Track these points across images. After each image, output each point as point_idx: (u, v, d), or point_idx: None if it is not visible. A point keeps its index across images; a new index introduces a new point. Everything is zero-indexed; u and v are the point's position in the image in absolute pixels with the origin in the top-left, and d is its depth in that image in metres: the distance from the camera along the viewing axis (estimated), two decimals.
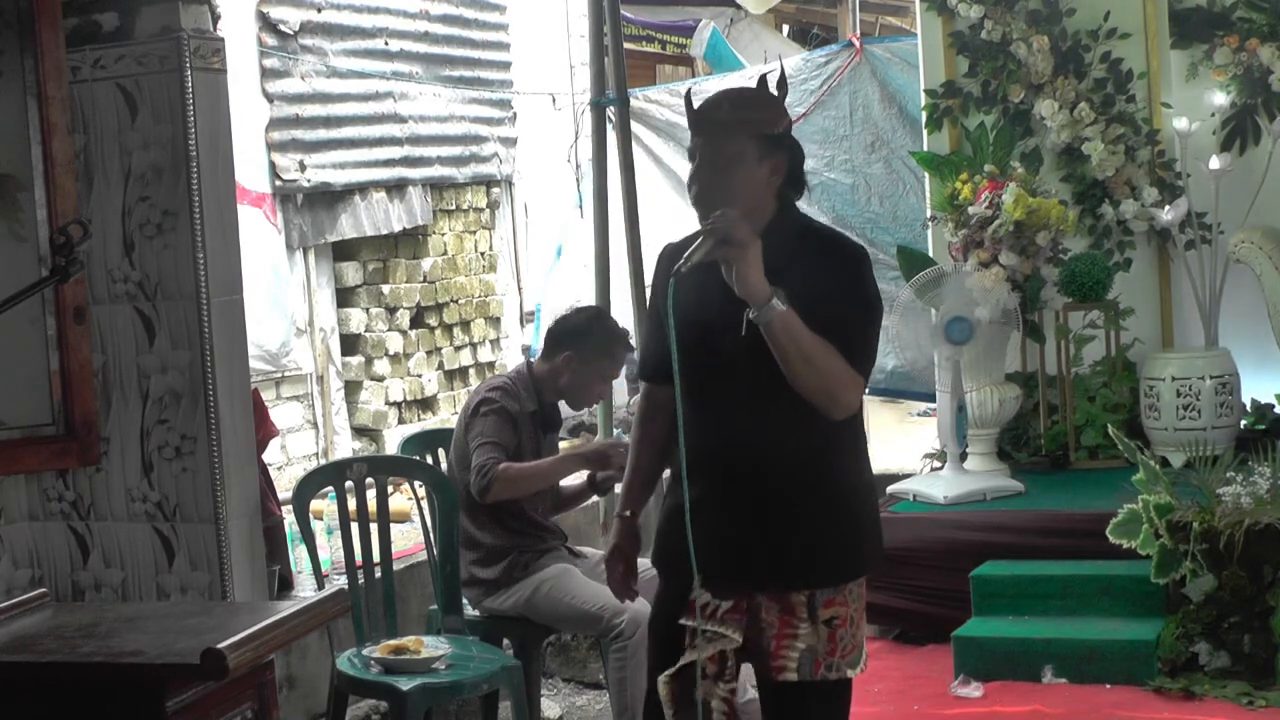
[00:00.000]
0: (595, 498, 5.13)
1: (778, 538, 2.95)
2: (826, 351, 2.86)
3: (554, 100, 8.27)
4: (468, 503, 4.53)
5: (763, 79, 3.12)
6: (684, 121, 9.36)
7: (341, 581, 4.50)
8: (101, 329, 4.18)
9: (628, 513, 3.24)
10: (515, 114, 8.05)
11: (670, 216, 8.04)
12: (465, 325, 7.71)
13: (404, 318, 7.24)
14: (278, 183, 6.44)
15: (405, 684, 3.94)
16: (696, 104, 3.09)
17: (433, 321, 7.45)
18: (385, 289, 7.15)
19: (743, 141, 2.99)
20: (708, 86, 8.17)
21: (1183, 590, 5.06)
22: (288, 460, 6.52)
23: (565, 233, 8.43)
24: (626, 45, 7.24)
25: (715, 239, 2.84)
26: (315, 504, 4.80)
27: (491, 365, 7.89)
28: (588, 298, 6.45)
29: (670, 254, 3.09)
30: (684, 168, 8.53)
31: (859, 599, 3.04)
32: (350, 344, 7.07)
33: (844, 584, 3.00)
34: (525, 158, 8.18)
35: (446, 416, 7.33)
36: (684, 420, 2.92)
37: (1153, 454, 5.99)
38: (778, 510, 2.95)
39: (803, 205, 9.04)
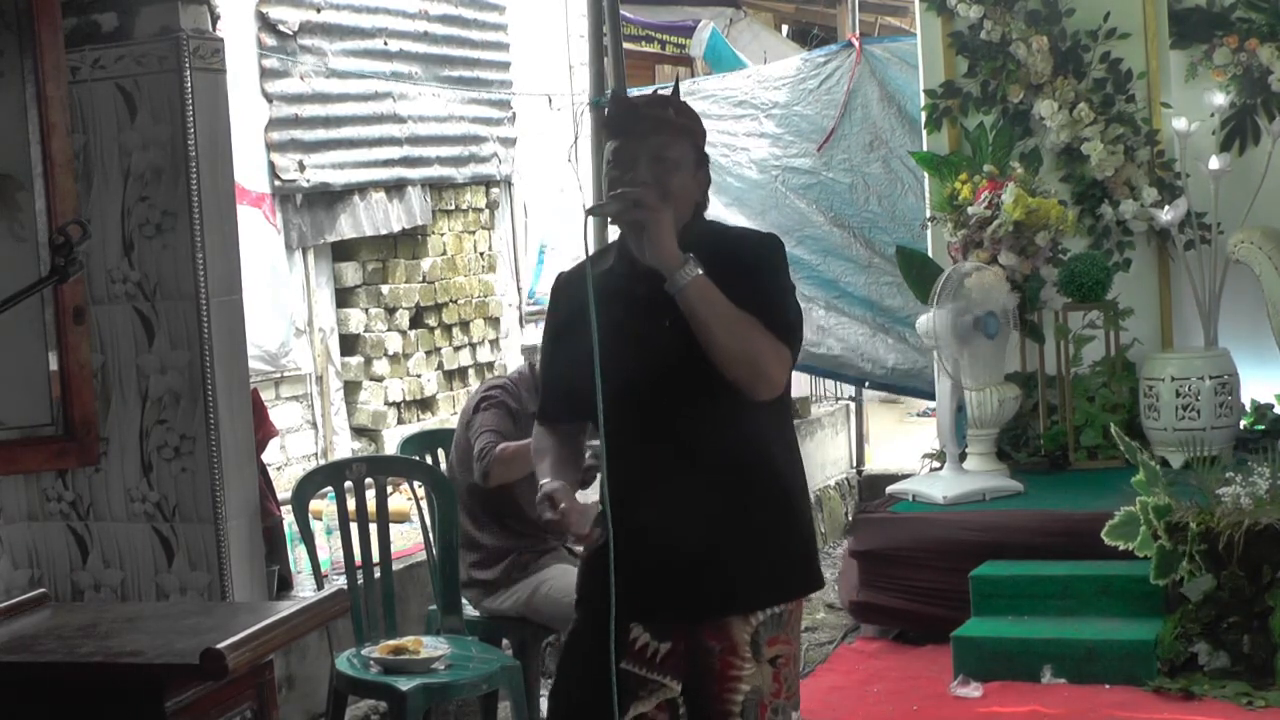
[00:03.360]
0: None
1: (726, 552, 2.78)
2: (748, 321, 2.72)
3: (550, 100, 8.27)
4: (468, 504, 4.53)
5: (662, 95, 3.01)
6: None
7: (341, 581, 4.49)
8: (101, 329, 4.18)
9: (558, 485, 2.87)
10: (514, 114, 8.04)
11: None
12: (465, 325, 7.71)
13: (403, 318, 7.23)
14: (277, 183, 6.43)
15: (404, 684, 3.94)
16: (631, 99, 2.96)
17: (432, 322, 7.45)
18: (385, 289, 7.15)
19: (685, 147, 2.89)
20: (707, 85, 8.17)
21: (1181, 590, 5.06)
22: (287, 460, 6.51)
23: (548, 232, 8.44)
24: (626, 45, 7.25)
25: (629, 200, 2.74)
26: (314, 504, 4.80)
27: (491, 365, 7.89)
28: None
29: (568, 282, 2.95)
30: None
31: (799, 635, 2.92)
32: (349, 344, 7.06)
33: (794, 599, 2.87)
34: (524, 158, 8.18)
35: (446, 416, 7.32)
36: (607, 451, 2.78)
37: (1152, 454, 5.99)
38: (725, 522, 2.78)
39: (801, 205, 9.03)
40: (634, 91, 8.24)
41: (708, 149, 2.99)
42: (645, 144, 2.86)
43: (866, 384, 8.09)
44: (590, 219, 2.85)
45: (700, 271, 2.71)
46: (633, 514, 2.77)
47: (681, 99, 2.98)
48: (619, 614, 2.75)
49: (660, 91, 3.17)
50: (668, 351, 2.76)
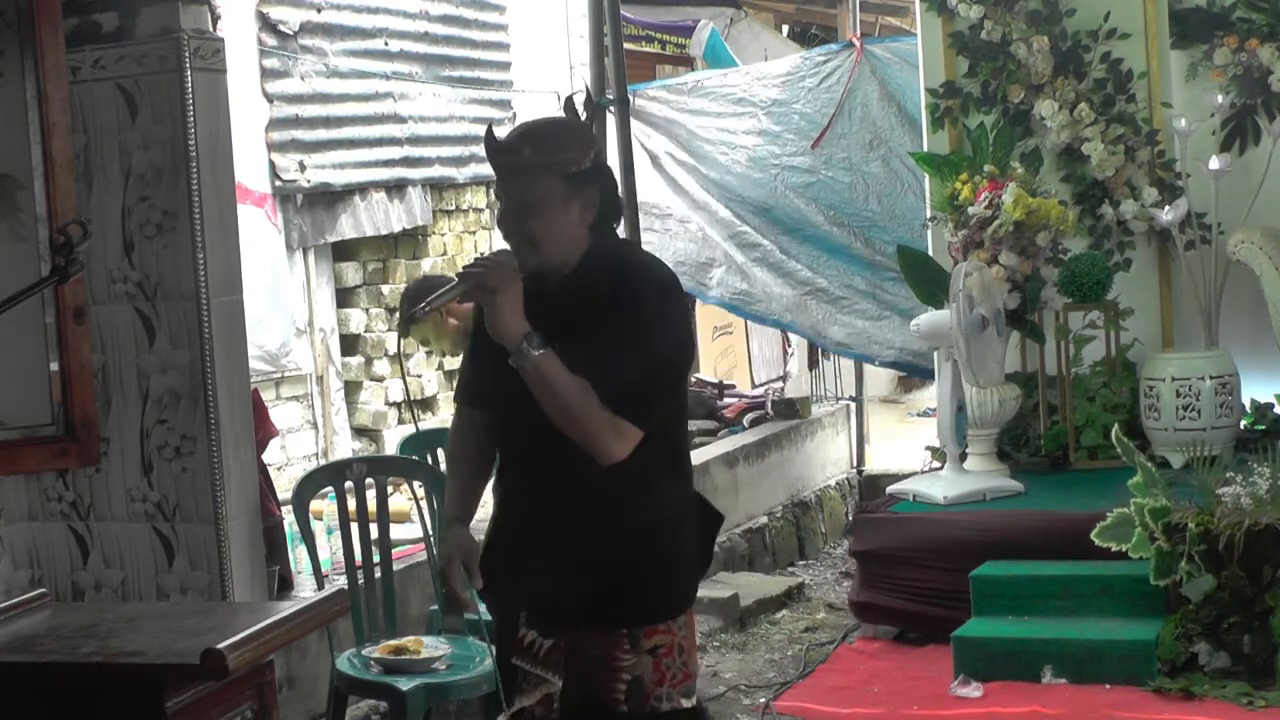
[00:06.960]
0: None
1: (591, 576, 2.82)
2: (584, 399, 2.71)
3: (559, 98, 8.27)
4: None
5: (570, 101, 2.98)
6: (684, 119, 9.34)
7: (341, 581, 4.49)
8: (101, 329, 4.18)
9: (456, 522, 3.01)
10: (515, 114, 8.04)
11: (668, 214, 8.04)
12: None
13: None
14: (278, 183, 6.43)
15: (405, 684, 3.94)
16: (496, 142, 2.89)
17: None
18: (385, 289, 7.14)
19: (547, 184, 2.79)
20: (709, 82, 8.16)
21: (1182, 590, 5.06)
22: (287, 460, 6.51)
23: None
24: (626, 45, 7.24)
25: (470, 284, 2.74)
26: (315, 504, 4.80)
27: None
28: None
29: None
30: (683, 165, 8.50)
31: (685, 627, 2.92)
32: (350, 344, 7.06)
33: (662, 622, 2.88)
34: None
35: (446, 417, 7.32)
36: (502, 453, 2.97)
37: (1152, 454, 5.99)
38: (591, 547, 2.82)
39: (799, 205, 8.99)
40: (649, 87, 8.30)
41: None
42: (510, 191, 2.84)
43: (876, 361, 8.04)
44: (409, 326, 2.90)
45: (539, 352, 2.70)
46: (522, 519, 2.91)
47: (558, 118, 2.97)
48: (511, 609, 2.98)
49: (535, 120, 3.02)
50: None
